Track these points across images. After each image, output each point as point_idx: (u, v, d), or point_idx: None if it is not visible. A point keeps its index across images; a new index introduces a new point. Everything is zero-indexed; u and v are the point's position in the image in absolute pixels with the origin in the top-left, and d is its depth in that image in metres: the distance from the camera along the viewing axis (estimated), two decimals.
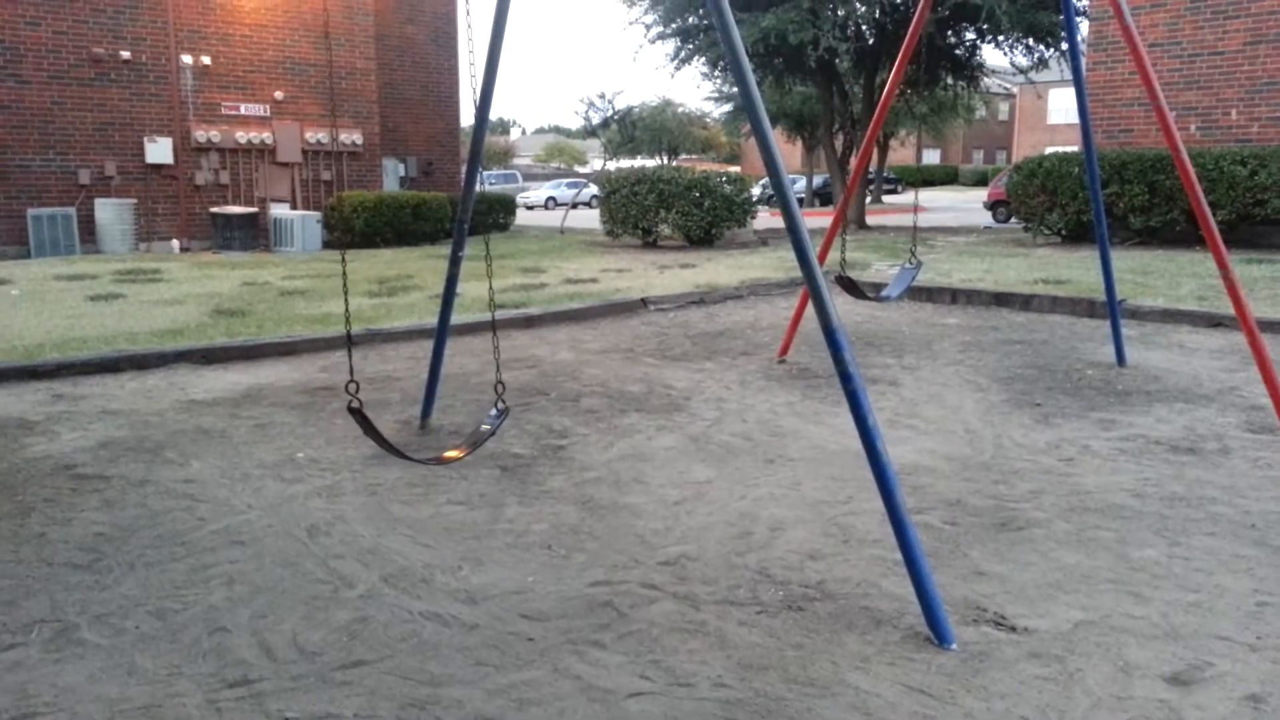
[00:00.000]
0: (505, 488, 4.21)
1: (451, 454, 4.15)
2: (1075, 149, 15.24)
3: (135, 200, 15.68)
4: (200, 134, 16.36)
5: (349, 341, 4.28)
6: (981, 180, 52.05)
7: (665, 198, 15.72)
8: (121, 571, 3.30)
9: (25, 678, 2.61)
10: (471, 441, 4.31)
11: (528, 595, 3.14)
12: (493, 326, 4.77)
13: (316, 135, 17.62)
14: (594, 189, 29.17)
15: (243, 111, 16.87)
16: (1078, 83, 6.17)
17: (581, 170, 62.58)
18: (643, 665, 2.69)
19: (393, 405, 5.64)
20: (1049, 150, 18.10)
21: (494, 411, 4.38)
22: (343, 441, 4.88)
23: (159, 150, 16.01)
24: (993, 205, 25.55)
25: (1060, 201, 15.02)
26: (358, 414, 3.91)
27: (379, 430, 4.08)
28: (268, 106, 17.11)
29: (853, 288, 5.62)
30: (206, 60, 16.31)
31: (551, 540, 3.61)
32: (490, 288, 4.52)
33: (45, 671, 2.65)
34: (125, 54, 15.53)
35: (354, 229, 16.11)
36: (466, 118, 24.29)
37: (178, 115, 16.17)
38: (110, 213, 15.21)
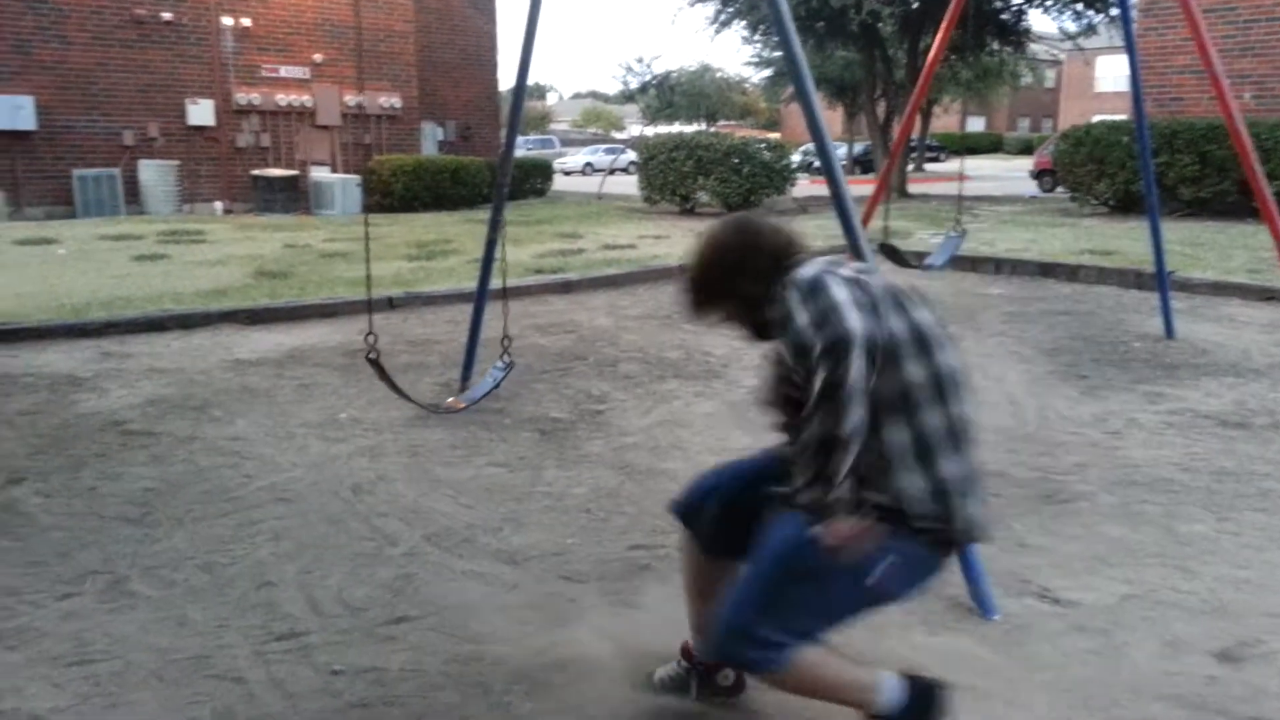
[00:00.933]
0: (544, 451, 4.23)
1: (452, 401, 4.49)
2: (1123, 117, 14.90)
3: (178, 162, 15.82)
4: (241, 96, 16.45)
5: (369, 305, 4.31)
6: (1026, 149, 51.06)
7: (704, 164, 15.59)
8: (170, 525, 3.36)
9: (81, 626, 2.68)
10: (469, 398, 4.60)
11: (567, 557, 3.16)
12: (503, 275, 4.74)
13: (355, 98, 17.65)
14: (631, 155, 29.01)
15: (282, 74, 16.92)
16: (1129, 49, 6.00)
17: (619, 136, 62.25)
18: (682, 629, 2.69)
19: (432, 368, 5.68)
20: (1096, 119, 17.71)
21: (499, 364, 4.49)
22: (384, 403, 4.92)
23: (201, 112, 16.13)
24: (1038, 174, 25.04)
25: (1108, 171, 14.70)
26: (375, 364, 4.13)
27: (390, 378, 4.30)
28: (307, 69, 17.15)
29: (896, 256, 5.56)
30: (246, 22, 16.35)
31: (590, 504, 3.62)
32: (502, 223, 4.54)
33: (99, 620, 2.71)
34: (167, 15, 15.61)
35: (392, 193, 16.17)
36: (505, 82, 24.17)
37: (219, 77, 16.26)
38: (154, 174, 15.37)
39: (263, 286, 7.96)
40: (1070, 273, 9.18)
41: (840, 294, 1.87)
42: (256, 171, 16.17)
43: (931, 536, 1.97)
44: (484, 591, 2.91)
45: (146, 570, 3.02)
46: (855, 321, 1.82)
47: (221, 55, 16.24)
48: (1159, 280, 6.52)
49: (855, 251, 2.96)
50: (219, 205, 16.25)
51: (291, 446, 4.22)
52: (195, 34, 15.98)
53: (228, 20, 16.15)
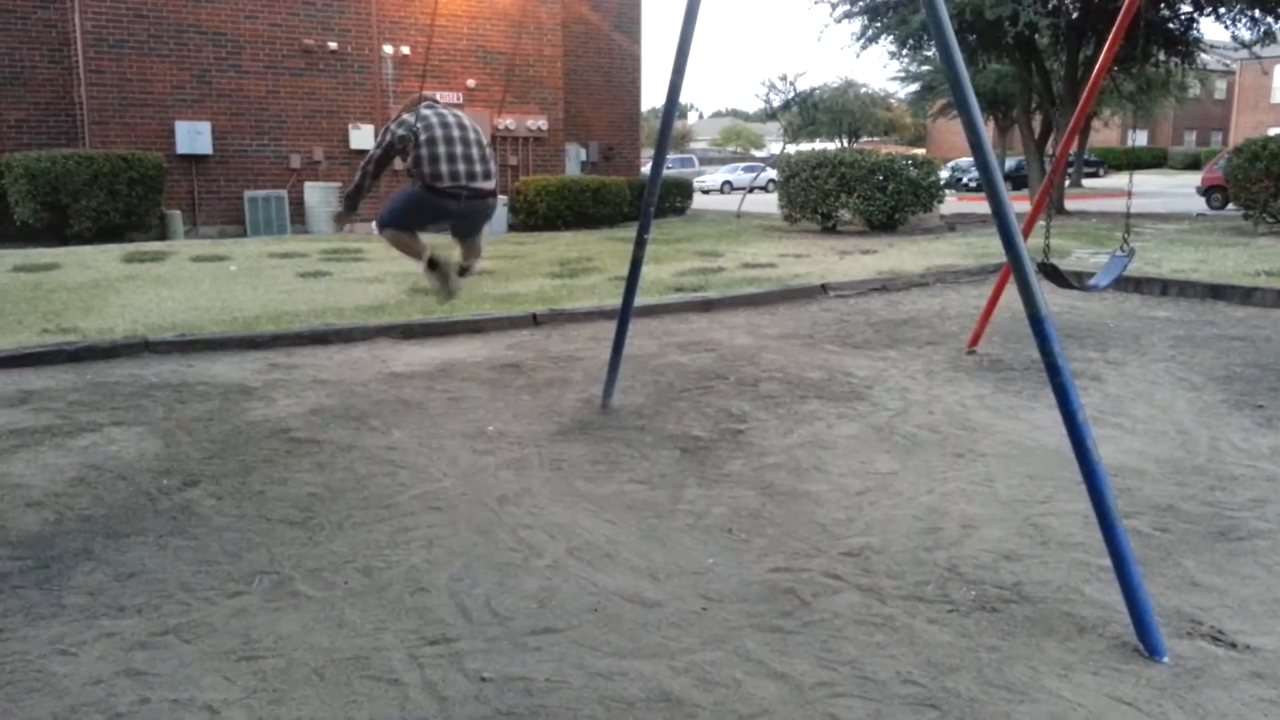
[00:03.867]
0: (685, 469, 4.23)
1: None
2: None
3: (340, 184, 16.68)
4: None
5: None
6: (1193, 164, 48.19)
7: (847, 181, 15.36)
8: (332, 530, 3.53)
9: (249, 623, 2.84)
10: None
11: (708, 576, 3.15)
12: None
13: (505, 121, 18.22)
14: (771, 173, 28.81)
15: (438, 99, 17.61)
16: None
17: (758, 154, 62.05)
18: (827, 655, 2.64)
19: (574, 384, 5.78)
20: (1272, 131, 16.53)
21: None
22: (528, 417, 5.04)
23: (362, 137, 16.97)
24: (1207, 191, 23.60)
25: None
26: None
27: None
28: (460, 94, 17.81)
29: (1056, 275, 5.31)
30: (406, 50, 17.14)
31: (731, 524, 3.60)
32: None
33: (265, 619, 2.87)
34: (333, 44, 16.52)
35: (536, 212, 16.58)
36: (647, 102, 24.49)
37: (379, 103, 17.08)
38: (318, 196, 16.25)
39: (416, 303, 8.29)
40: (1244, 295, 8.59)
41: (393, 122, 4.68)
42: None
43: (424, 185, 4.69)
44: (625, 607, 2.93)
45: (309, 572, 3.18)
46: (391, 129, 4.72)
47: (382, 82, 17.06)
48: None
49: (1017, 270, 2.85)
50: (375, 226, 17.00)
51: (443, 457, 4.37)
52: (358, 62, 16.85)
53: (388, 49, 16.96)
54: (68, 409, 5.15)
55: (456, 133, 4.69)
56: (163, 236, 14.44)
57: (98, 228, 13.50)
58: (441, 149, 4.60)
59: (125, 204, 13.71)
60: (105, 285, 9.00)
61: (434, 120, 4.67)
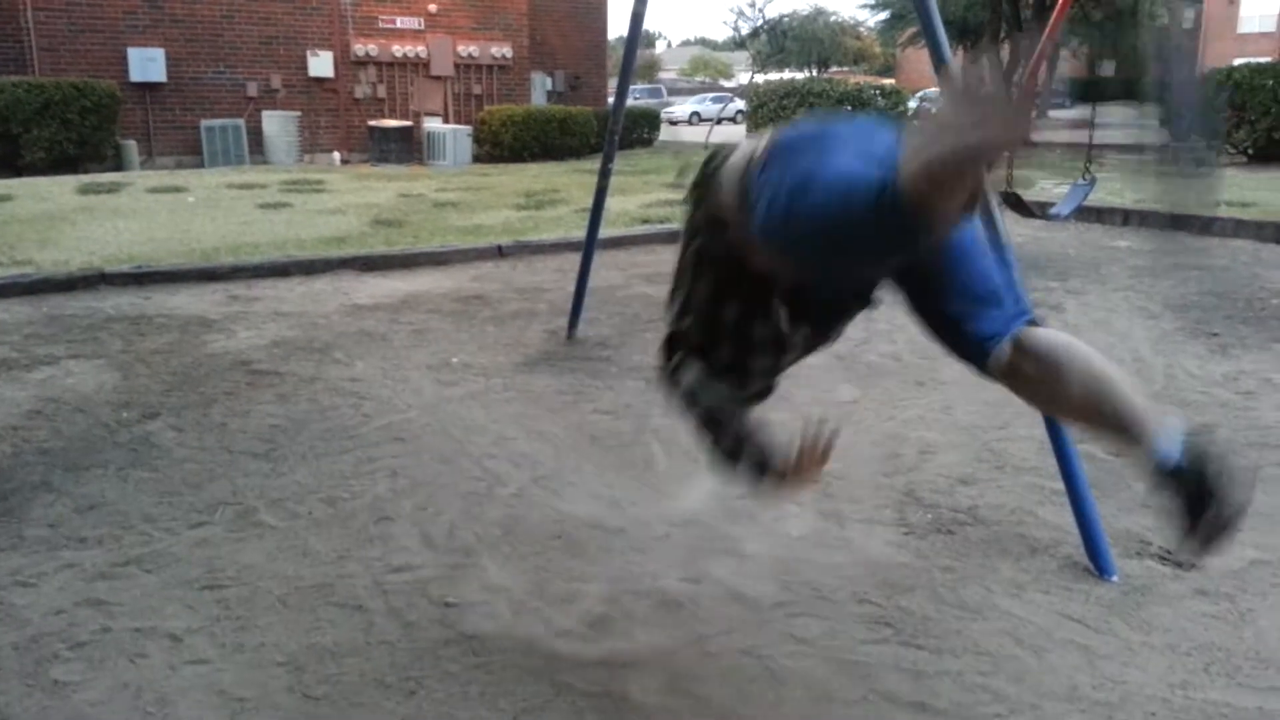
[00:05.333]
0: (650, 399, 4.24)
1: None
2: (1269, 59, 13.91)
3: (299, 113, 16.29)
4: (359, 48, 16.79)
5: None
6: None
7: (815, 111, 15.25)
8: (295, 461, 3.52)
9: (212, 553, 2.84)
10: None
11: (671, 503, 3.18)
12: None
13: (468, 49, 17.82)
14: (739, 104, 28.53)
15: (398, 25, 17.18)
16: None
17: (727, 84, 61.30)
18: (786, 577, 2.70)
19: (540, 315, 5.75)
20: (1238, 62, 16.58)
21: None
22: (493, 349, 5.02)
23: (321, 64, 16.53)
24: None
25: (1249, 118, 13.80)
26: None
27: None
28: (422, 20, 17.36)
29: (1019, 205, 5.35)
30: None
31: (697, 452, 3.63)
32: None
33: (229, 549, 2.87)
34: None
35: (502, 143, 16.32)
36: (613, 31, 24.04)
37: (338, 29, 16.61)
38: (276, 125, 15.87)
39: (379, 234, 8.18)
40: (1204, 225, 8.68)
41: None
42: (373, 122, 16.54)
43: None
44: (589, 533, 2.97)
45: (273, 502, 3.18)
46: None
47: (341, 7, 16.57)
48: None
49: None
50: (337, 155, 16.70)
51: (407, 388, 4.36)
52: None
53: None
54: (23, 342, 5.06)
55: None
56: (118, 167, 14.07)
57: (51, 158, 13.11)
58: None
59: (78, 134, 13.31)
60: (60, 217, 8.78)
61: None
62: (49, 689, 2.20)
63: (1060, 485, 2.83)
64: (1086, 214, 9.20)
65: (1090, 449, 3.57)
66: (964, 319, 1.80)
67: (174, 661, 2.30)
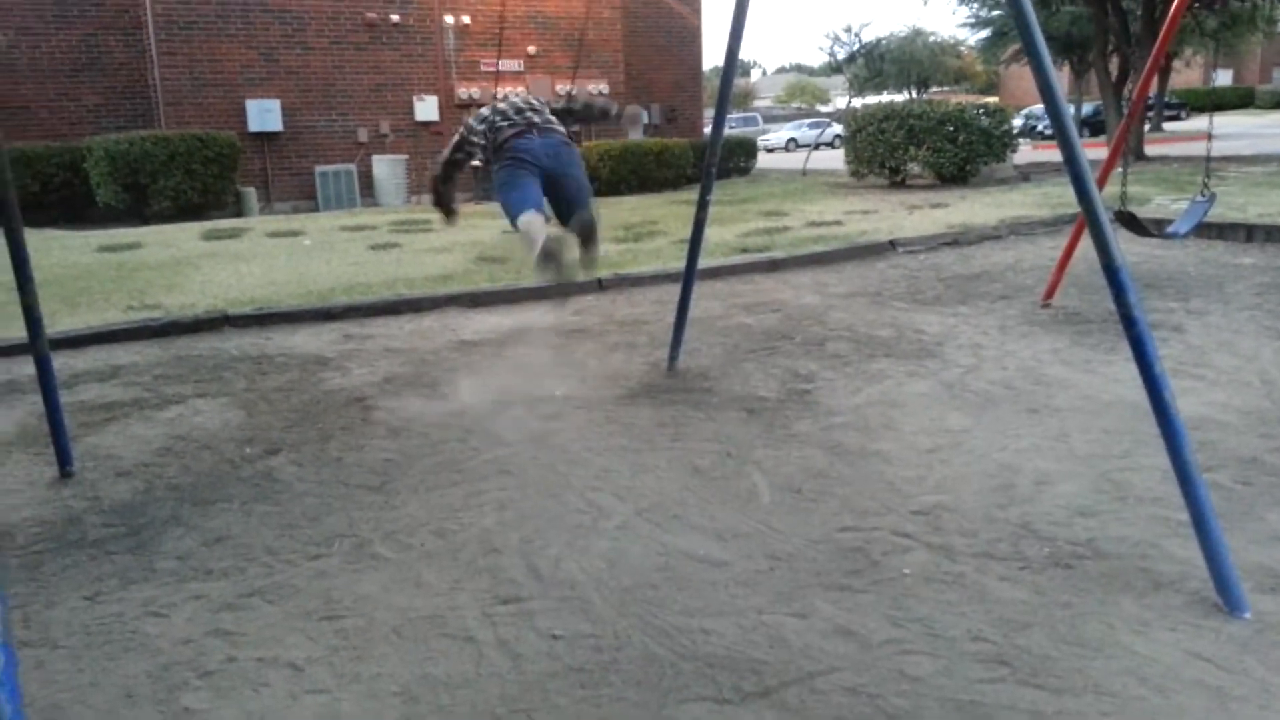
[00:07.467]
0: (752, 430, 4.23)
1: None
2: None
3: (406, 156, 16.88)
4: (462, 91, 17.32)
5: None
6: None
7: (915, 133, 15.00)
8: (407, 494, 3.63)
9: (330, 584, 2.94)
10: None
11: (776, 536, 3.16)
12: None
13: (565, 87, 18.17)
14: (837, 128, 28.29)
15: (500, 68, 17.66)
16: None
17: (824, 109, 60.93)
18: (895, 613, 2.64)
19: (640, 347, 5.80)
20: None
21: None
22: (595, 381, 5.08)
23: (426, 108, 17.12)
24: None
25: None
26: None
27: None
28: (521, 62, 17.82)
29: (1134, 224, 5.15)
30: (466, 19, 17.18)
31: (800, 484, 3.60)
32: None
33: (345, 580, 2.96)
34: (395, 17, 16.64)
35: (599, 177, 16.56)
36: (709, 62, 24.19)
37: (441, 74, 17.19)
38: (385, 168, 16.47)
39: (483, 271, 8.38)
40: None
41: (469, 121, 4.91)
42: (476, 163, 16.96)
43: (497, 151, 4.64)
44: (694, 567, 2.96)
45: (386, 535, 3.27)
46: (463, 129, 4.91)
47: (444, 53, 17.15)
48: None
49: (1091, 220, 2.76)
50: None
51: (512, 422, 4.44)
52: (420, 34, 16.96)
53: (449, 19, 17.02)
54: (154, 382, 5.35)
55: (505, 105, 4.80)
56: (239, 213, 14.82)
57: (176, 207, 13.89)
58: (501, 120, 4.70)
59: (202, 183, 14.08)
60: (186, 262, 9.28)
61: (486, 111, 4.83)
62: (180, 716, 2.31)
63: (1185, 516, 2.71)
64: (1206, 231, 8.81)
65: (1219, 478, 3.41)
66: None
67: (295, 690, 2.39)
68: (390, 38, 16.73)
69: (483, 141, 4.74)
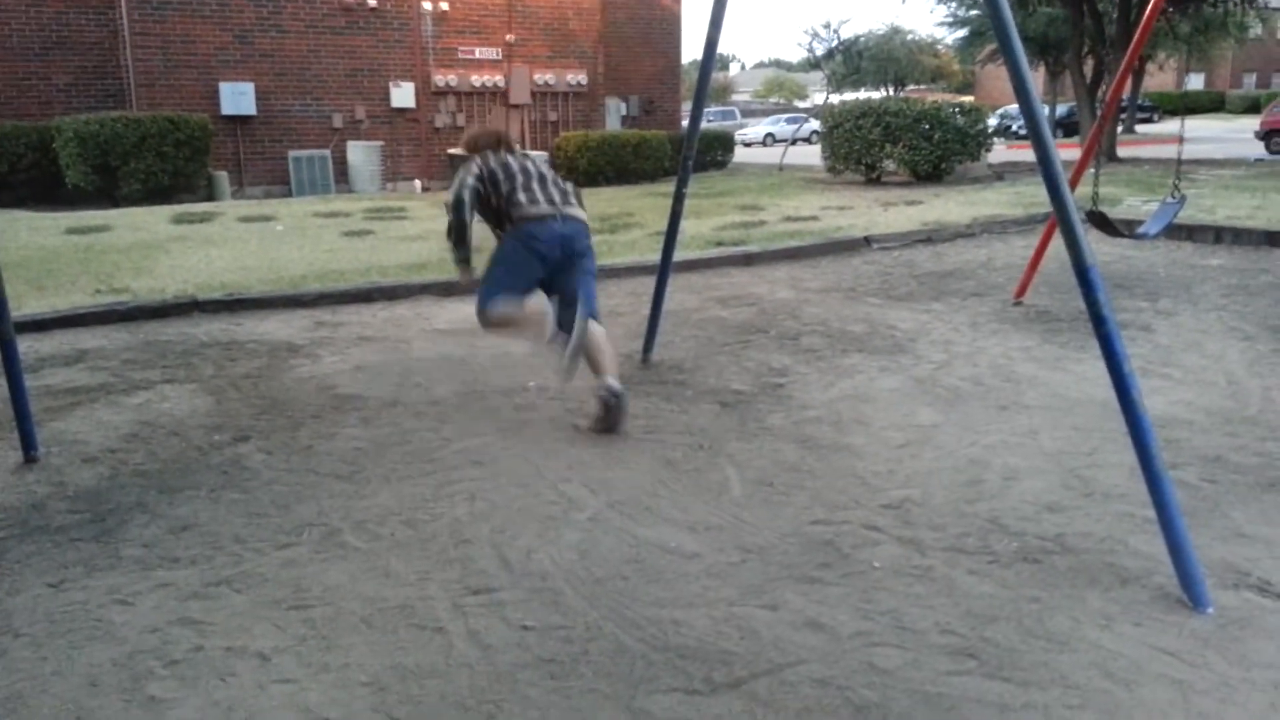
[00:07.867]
0: (725, 423, 4.24)
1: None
2: None
3: (382, 142, 16.74)
4: (439, 78, 17.20)
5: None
6: (1253, 107, 46.54)
7: (891, 131, 15.08)
8: (378, 483, 3.60)
9: (299, 574, 2.91)
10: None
11: (747, 529, 3.17)
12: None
13: (544, 77, 18.11)
14: (814, 124, 28.39)
15: (477, 55, 17.56)
16: None
17: (801, 105, 61.09)
18: (865, 606, 2.66)
19: (614, 339, 5.77)
20: None
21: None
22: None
23: (402, 95, 16.97)
24: (1266, 135, 22.89)
25: None
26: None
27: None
28: (500, 50, 17.72)
29: (1105, 224, 5.21)
30: (444, 6, 17.04)
31: (772, 477, 3.61)
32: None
33: (314, 569, 2.94)
34: (372, 2, 16.47)
35: (577, 168, 16.51)
36: (688, 54, 24.18)
37: (419, 61, 17.05)
38: (360, 154, 16.33)
39: None
40: None
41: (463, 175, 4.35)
42: (452, 150, 16.88)
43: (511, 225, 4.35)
44: (665, 559, 2.96)
45: (356, 524, 3.25)
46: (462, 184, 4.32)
47: (421, 39, 17.01)
48: None
49: (1062, 220, 2.79)
50: (418, 183, 17.10)
51: (484, 412, 4.42)
52: (398, 19, 16.80)
53: (427, 5, 16.89)
54: (121, 367, 5.28)
55: (516, 166, 4.38)
56: (210, 197, 14.63)
57: (147, 189, 13.70)
58: (519, 180, 4.30)
59: (173, 166, 13.89)
60: (155, 246, 9.16)
61: (495, 164, 4.35)
62: (145, 705, 2.28)
63: (1151, 513, 2.74)
64: (1176, 232, 8.93)
65: (1184, 475, 3.46)
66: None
67: (263, 680, 2.37)
68: (367, 22, 16.57)
69: (483, 190, 4.33)
